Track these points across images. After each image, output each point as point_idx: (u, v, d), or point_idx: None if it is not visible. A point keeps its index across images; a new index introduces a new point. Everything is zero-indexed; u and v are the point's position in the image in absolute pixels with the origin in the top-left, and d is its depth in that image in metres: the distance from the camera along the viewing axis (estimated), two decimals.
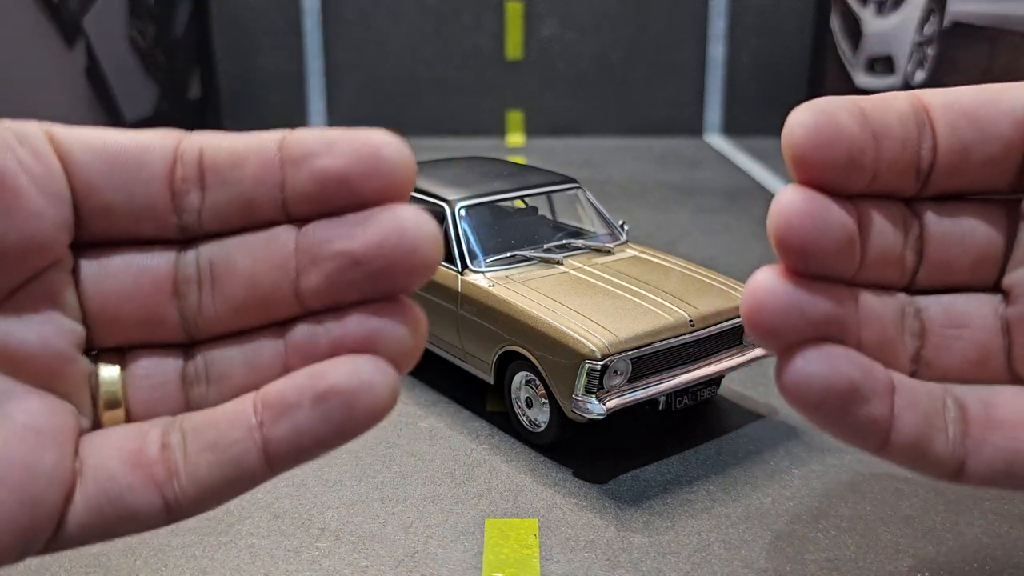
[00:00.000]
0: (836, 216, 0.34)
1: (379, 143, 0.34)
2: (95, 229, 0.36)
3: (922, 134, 0.36)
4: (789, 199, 0.34)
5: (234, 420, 0.34)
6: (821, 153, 0.34)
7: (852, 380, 0.35)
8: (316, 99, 5.34)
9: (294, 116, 5.34)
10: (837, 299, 0.35)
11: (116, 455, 0.35)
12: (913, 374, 0.38)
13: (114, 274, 0.36)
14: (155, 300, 0.36)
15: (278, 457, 0.34)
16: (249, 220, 0.35)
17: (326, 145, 0.34)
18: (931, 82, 3.94)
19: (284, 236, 0.35)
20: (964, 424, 0.36)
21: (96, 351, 0.38)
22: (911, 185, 0.37)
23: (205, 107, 5.18)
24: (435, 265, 0.34)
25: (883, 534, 1.44)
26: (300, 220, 0.35)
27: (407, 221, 0.33)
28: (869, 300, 0.37)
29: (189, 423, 0.36)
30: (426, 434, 1.76)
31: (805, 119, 0.34)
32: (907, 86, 4.17)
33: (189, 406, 0.37)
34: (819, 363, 0.35)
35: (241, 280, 0.35)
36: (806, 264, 0.34)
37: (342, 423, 0.33)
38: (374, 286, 0.33)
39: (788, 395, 0.35)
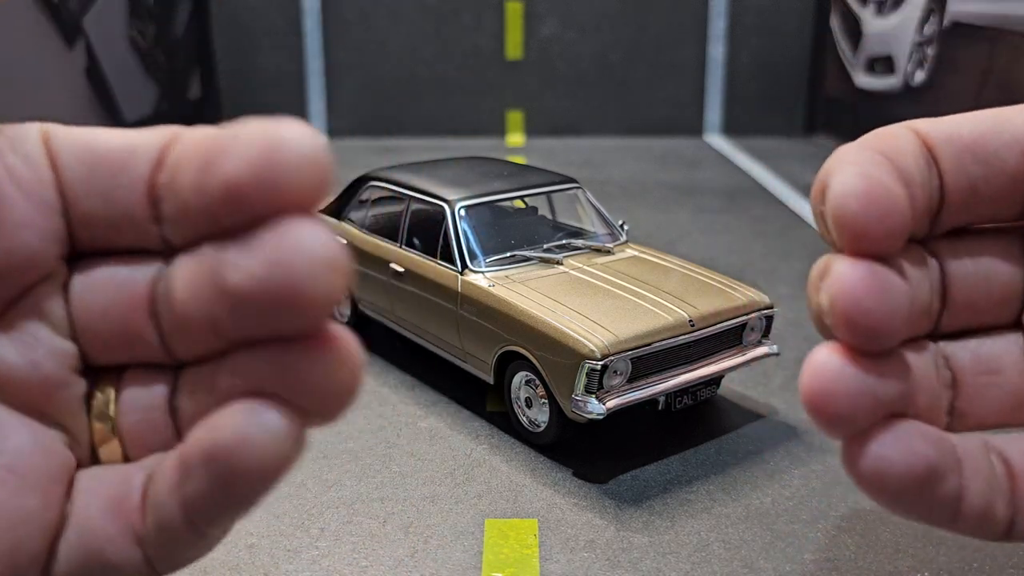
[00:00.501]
0: (900, 289, 0.31)
1: (278, 139, 0.29)
2: (82, 239, 0.32)
3: (931, 173, 0.34)
4: (855, 277, 0.31)
5: (164, 477, 0.31)
6: (882, 225, 0.31)
7: (931, 461, 0.32)
8: (316, 99, 5.34)
9: (294, 116, 5.32)
10: (900, 372, 0.32)
11: (100, 502, 0.32)
12: (948, 427, 0.36)
13: (96, 287, 0.33)
14: (131, 317, 0.32)
15: (194, 519, 0.30)
16: (213, 230, 0.30)
17: (223, 147, 0.29)
18: (931, 82, 3.94)
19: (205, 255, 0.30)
20: (1011, 480, 0.34)
21: (94, 370, 0.34)
22: (925, 227, 0.35)
23: (205, 107, 5.18)
24: (332, 301, 0.28)
25: (883, 534, 1.44)
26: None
27: (298, 247, 0.28)
28: (913, 360, 0.34)
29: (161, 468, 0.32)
30: (426, 434, 1.76)
31: (856, 188, 0.31)
32: (907, 86, 4.17)
33: (179, 435, 0.33)
34: (896, 447, 0.32)
35: (176, 304, 0.31)
36: (877, 344, 0.31)
37: (228, 485, 0.29)
38: (265, 326, 0.28)
39: (865, 483, 0.32)
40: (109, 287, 0.32)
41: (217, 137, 0.30)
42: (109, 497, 0.32)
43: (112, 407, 0.34)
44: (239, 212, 0.29)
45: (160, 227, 0.31)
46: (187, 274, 0.31)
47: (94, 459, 0.34)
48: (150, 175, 0.31)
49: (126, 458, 0.34)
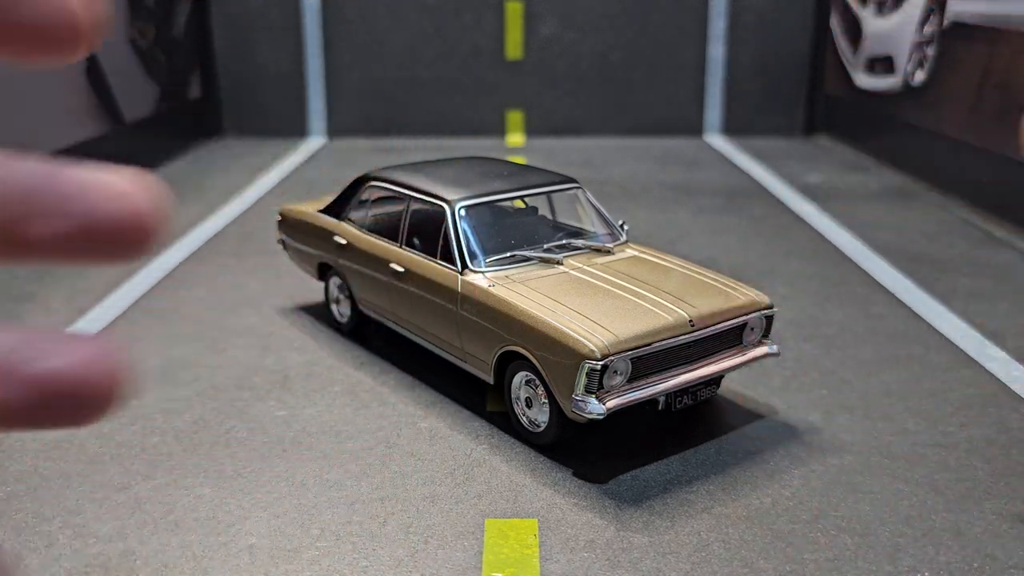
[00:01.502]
0: None
1: None
2: None
3: None
4: None
5: None
6: None
7: None
8: (316, 99, 5.33)
9: (294, 116, 5.33)
10: None
11: None
12: None
13: None
14: None
15: None
16: None
17: None
18: (931, 82, 3.93)
19: None
20: None
21: None
22: None
23: (205, 107, 5.18)
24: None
25: (883, 534, 1.44)
26: None
27: (136, 188, 0.25)
28: None
29: None
30: (426, 434, 1.76)
31: None
32: (907, 86, 4.17)
33: None
34: None
35: None
36: None
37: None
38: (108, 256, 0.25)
39: None
40: None
41: None
42: None
43: None
44: None
45: None
46: None
47: None
48: None
49: None
